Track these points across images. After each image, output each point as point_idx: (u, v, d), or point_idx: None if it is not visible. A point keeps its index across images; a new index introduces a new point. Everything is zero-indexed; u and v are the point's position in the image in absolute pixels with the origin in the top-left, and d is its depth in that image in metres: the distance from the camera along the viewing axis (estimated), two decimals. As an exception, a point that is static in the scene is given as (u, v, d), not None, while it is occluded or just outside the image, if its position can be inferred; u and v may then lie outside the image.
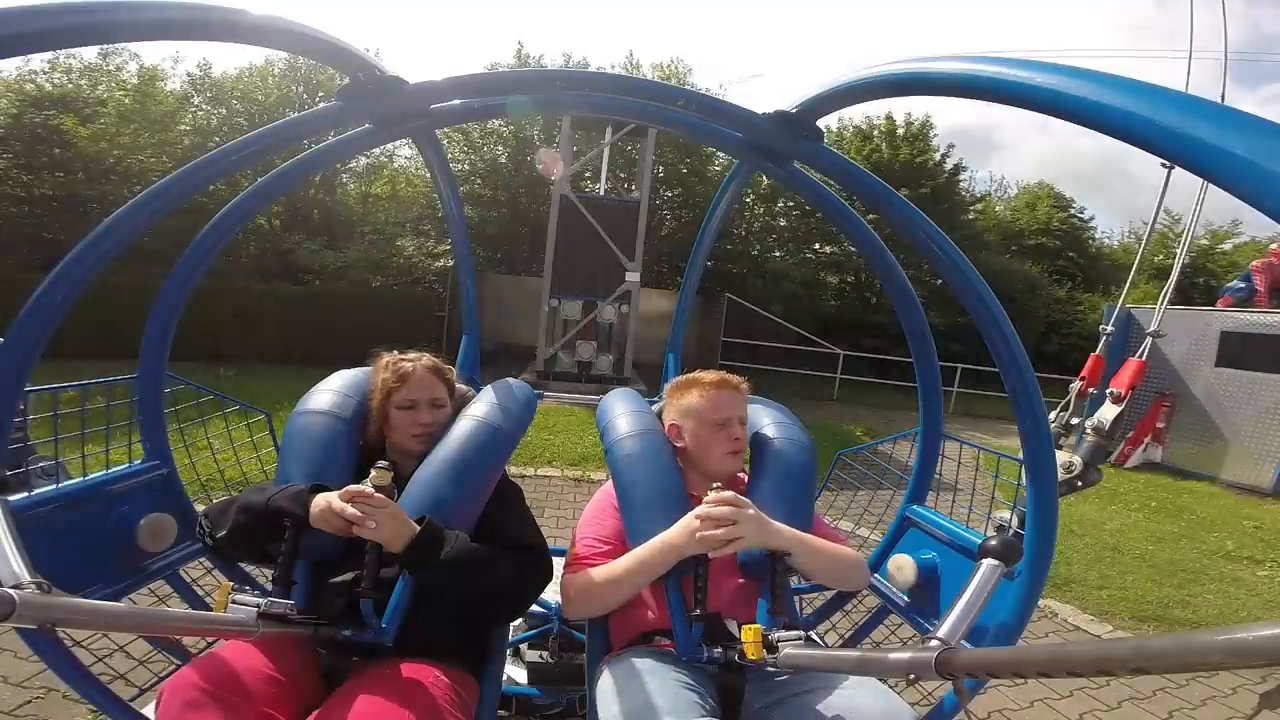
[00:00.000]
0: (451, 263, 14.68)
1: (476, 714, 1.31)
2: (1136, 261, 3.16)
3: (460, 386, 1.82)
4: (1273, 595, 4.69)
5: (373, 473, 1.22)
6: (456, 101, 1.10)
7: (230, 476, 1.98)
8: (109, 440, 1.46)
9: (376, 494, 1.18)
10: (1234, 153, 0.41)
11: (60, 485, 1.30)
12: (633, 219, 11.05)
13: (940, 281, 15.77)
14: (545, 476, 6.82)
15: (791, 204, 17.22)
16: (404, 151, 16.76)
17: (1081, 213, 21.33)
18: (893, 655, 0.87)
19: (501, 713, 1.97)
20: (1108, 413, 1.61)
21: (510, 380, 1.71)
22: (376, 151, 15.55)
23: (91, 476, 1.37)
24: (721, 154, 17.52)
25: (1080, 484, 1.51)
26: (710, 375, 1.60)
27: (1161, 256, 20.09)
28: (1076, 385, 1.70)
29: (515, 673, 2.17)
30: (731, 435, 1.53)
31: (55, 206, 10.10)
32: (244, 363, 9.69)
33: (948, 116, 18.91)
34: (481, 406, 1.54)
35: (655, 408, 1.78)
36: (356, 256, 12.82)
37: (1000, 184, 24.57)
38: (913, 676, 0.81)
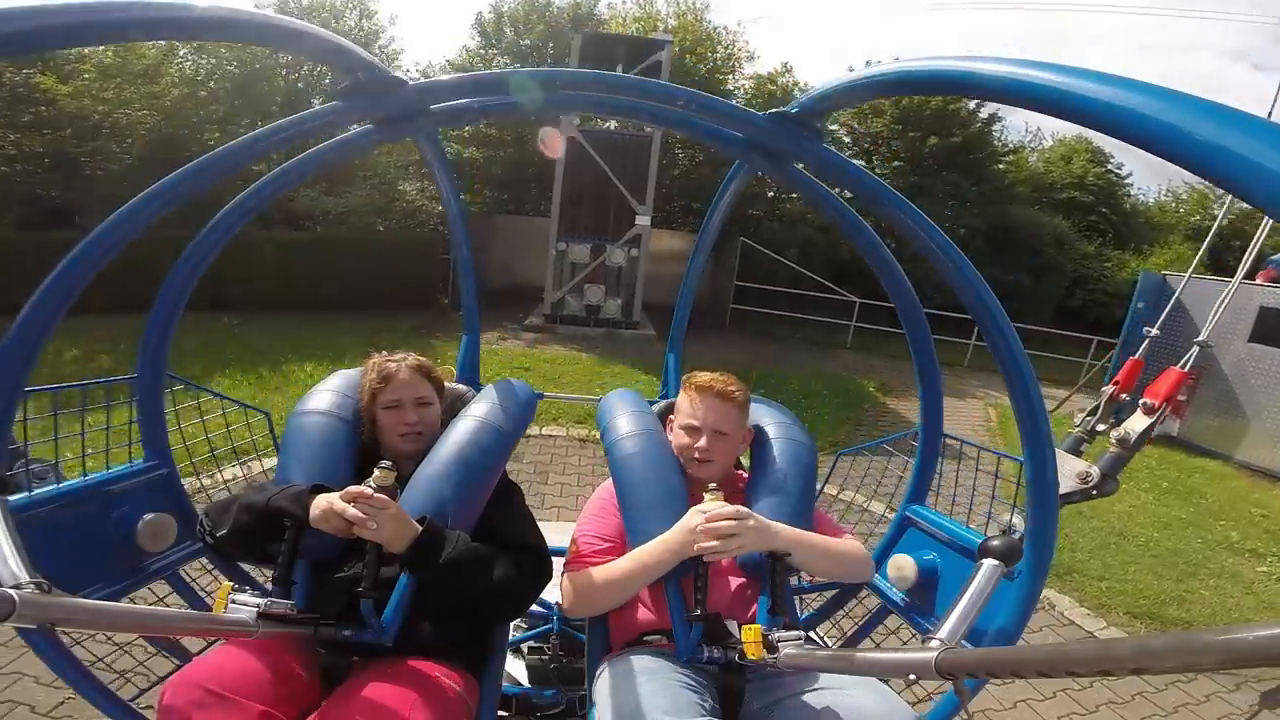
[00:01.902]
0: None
1: (476, 714, 1.31)
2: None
3: (459, 387, 1.83)
4: (1268, 595, 4.69)
5: (375, 472, 1.22)
6: (457, 101, 1.10)
7: (229, 477, 1.98)
8: (109, 440, 1.47)
9: (378, 494, 1.18)
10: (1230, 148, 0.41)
11: (61, 485, 1.30)
12: (644, 156, 10.66)
13: (962, 230, 15.44)
14: (550, 436, 6.57)
15: None
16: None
17: (1119, 169, 20.54)
18: (893, 655, 0.87)
19: (502, 713, 1.97)
20: (1136, 423, 1.47)
21: (511, 380, 1.71)
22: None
23: (91, 476, 1.37)
24: (737, 94, 16.94)
25: (1095, 494, 1.44)
26: (703, 377, 1.57)
27: (1199, 216, 19.13)
28: (1108, 390, 1.57)
29: (516, 672, 2.17)
30: (696, 444, 1.51)
31: (47, 165, 9.95)
32: (246, 311, 9.43)
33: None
34: (482, 406, 1.54)
35: (657, 408, 1.78)
36: (358, 202, 12.18)
37: (1035, 134, 23.25)
38: (913, 676, 0.81)
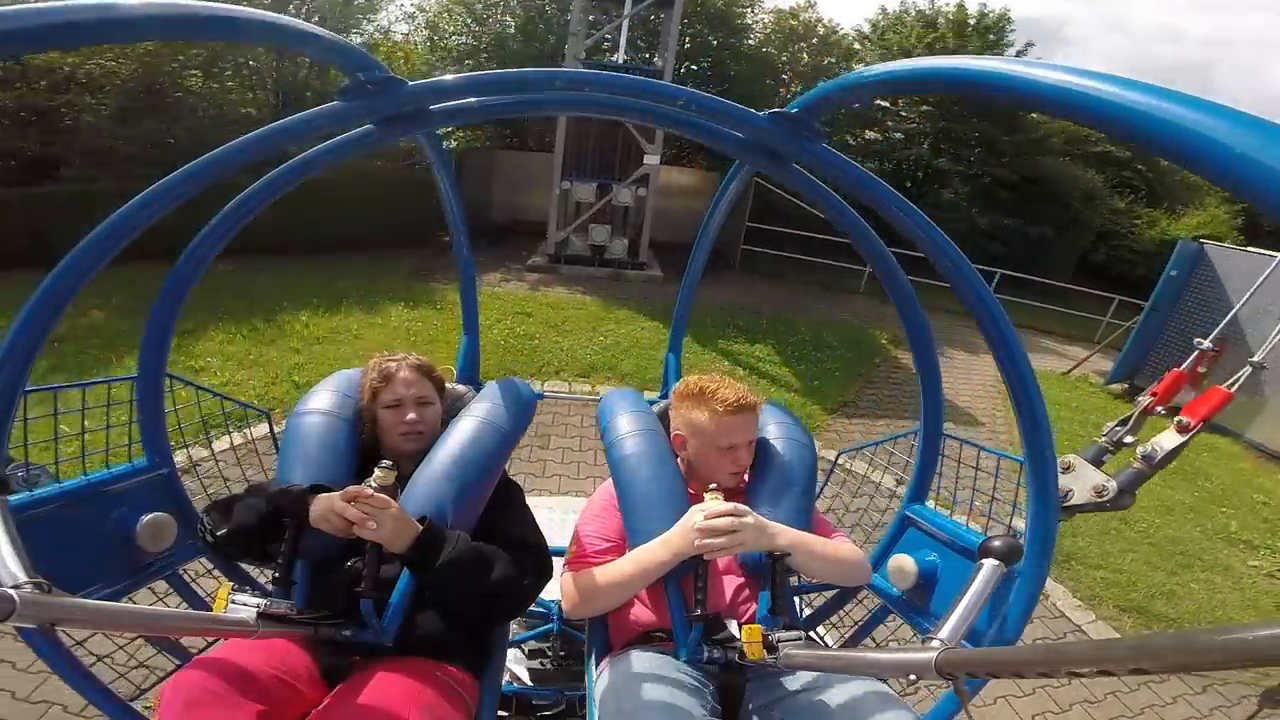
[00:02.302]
0: (454, 144, 13.62)
1: (477, 713, 1.31)
2: None
3: (459, 388, 1.83)
4: (1254, 591, 4.72)
5: (376, 472, 1.22)
6: (457, 101, 1.10)
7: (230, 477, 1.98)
8: (109, 440, 1.47)
9: (378, 494, 1.18)
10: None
11: (61, 485, 1.30)
12: None
13: (987, 179, 15.28)
14: (552, 395, 6.61)
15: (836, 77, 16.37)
16: (401, 27, 15.71)
17: None
18: (893, 655, 0.87)
19: (502, 713, 1.97)
20: (1166, 441, 1.34)
21: (511, 380, 1.71)
22: (370, 28, 14.55)
23: (91, 476, 1.37)
24: (755, 29, 16.31)
25: (1109, 507, 1.38)
26: (728, 395, 1.50)
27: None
28: (1144, 401, 1.46)
29: (517, 671, 2.17)
30: (736, 460, 1.52)
31: (21, 119, 9.86)
32: (242, 257, 8.96)
33: (1018, 6, 17.44)
34: (482, 406, 1.55)
35: (656, 408, 1.78)
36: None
37: None
38: (913, 676, 0.81)
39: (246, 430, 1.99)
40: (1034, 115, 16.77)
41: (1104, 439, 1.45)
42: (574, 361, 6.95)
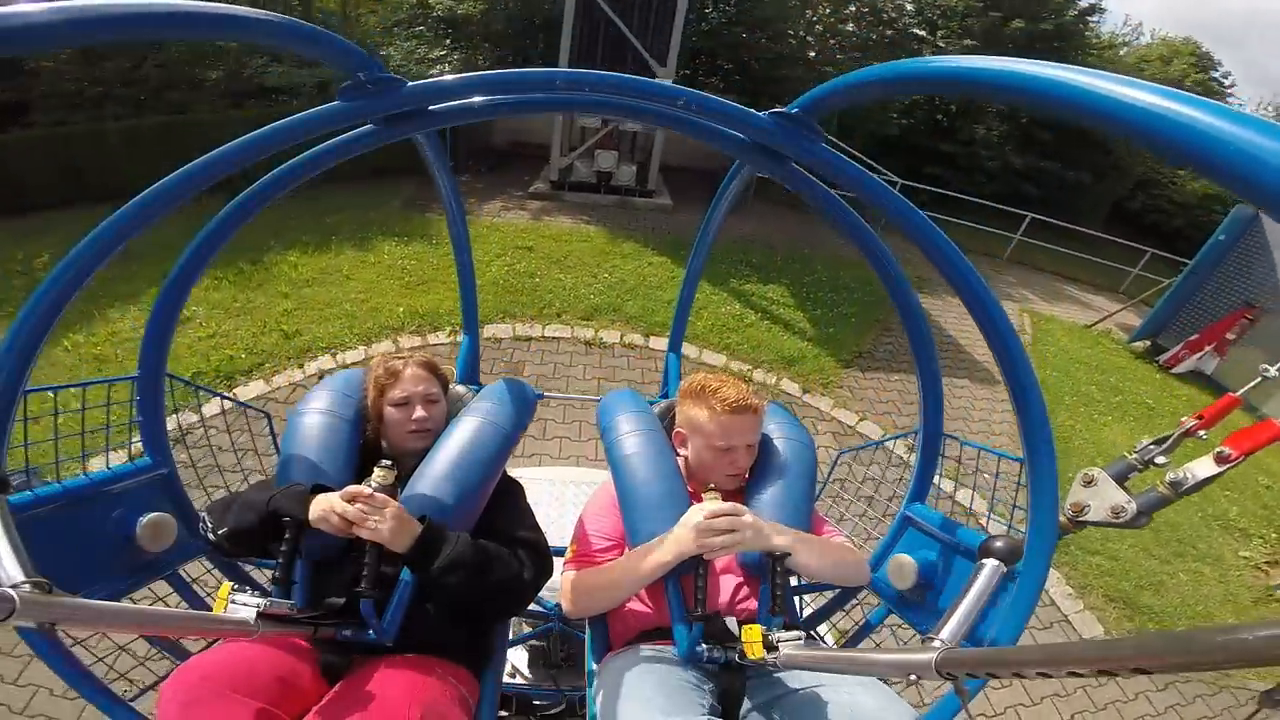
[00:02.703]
0: (448, 67, 12.34)
1: (477, 713, 1.31)
2: None
3: (459, 388, 1.83)
4: (1236, 585, 4.75)
5: (375, 472, 1.23)
6: (457, 101, 1.10)
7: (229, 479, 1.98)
8: (109, 440, 1.47)
9: (377, 494, 1.19)
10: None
11: (63, 484, 1.30)
12: (667, 10, 9.26)
13: (1025, 118, 14.20)
14: (553, 339, 6.33)
15: (865, 7, 14.66)
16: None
17: (1225, 77, 18.75)
18: (893, 655, 0.87)
19: (502, 713, 1.97)
20: (1200, 469, 1.26)
21: (511, 380, 1.71)
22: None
23: (91, 475, 1.37)
24: None
25: (1123, 527, 1.30)
26: (729, 394, 1.50)
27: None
28: (1188, 423, 1.36)
29: (517, 670, 2.17)
30: (734, 461, 1.51)
31: None
32: (230, 191, 8.90)
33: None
34: (483, 405, 1.55)
35: (657, 408, 1.78)
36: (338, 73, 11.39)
37: (1135, 29, 21.81)
38: (913, 676, 0.81)
39: (246, 430, 1.97)
40: (1093, 54, 15.93)
41: (1134, 456, 1.36)
42: (577, 303, 6.76)
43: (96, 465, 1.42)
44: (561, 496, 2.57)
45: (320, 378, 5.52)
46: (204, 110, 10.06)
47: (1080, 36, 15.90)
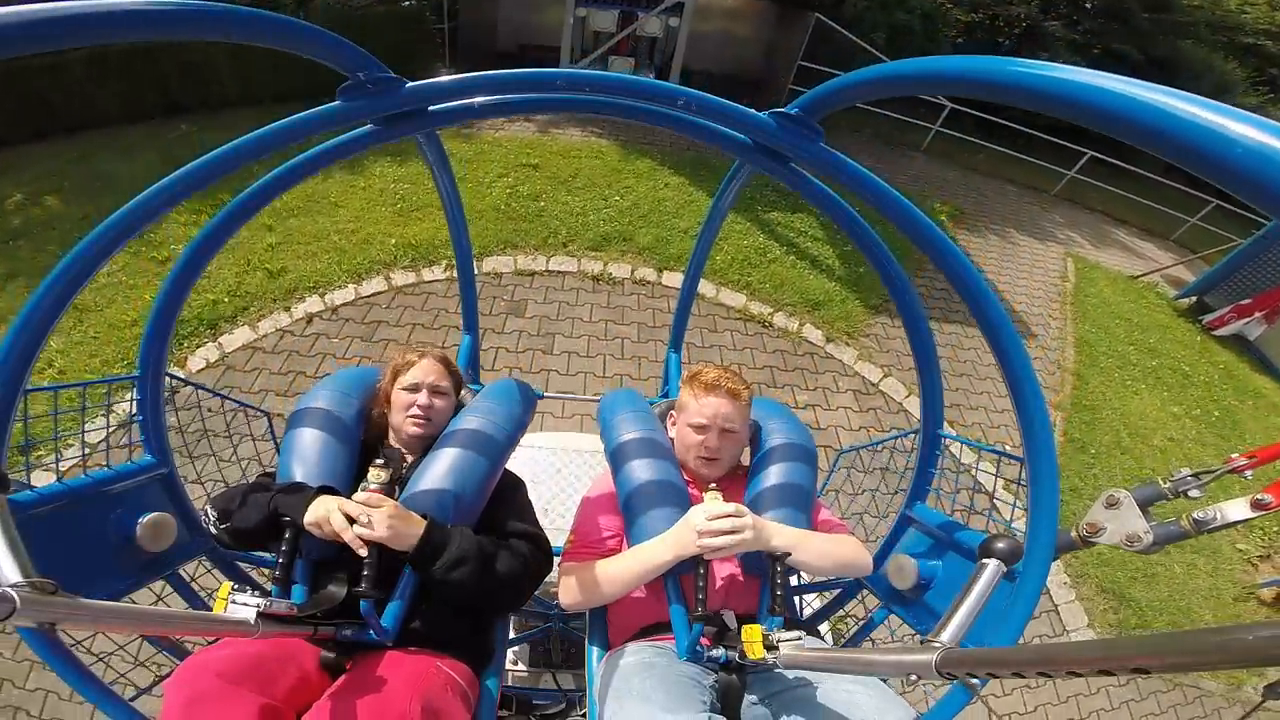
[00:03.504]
0: None
1: (477, 712, 1.31)
2: None
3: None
4: (1224, 579, 4.75)
5: (370, 472, 1.24)
6: (457, 102, 1.10)
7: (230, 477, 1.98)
8: (109, 440, 1.47)
9: (374, 494, 1.20)
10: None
11: (63, 483, 1.30)
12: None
13: (1098, 50, 12.77)
14: (559, 273, 5.87)
15: None
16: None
17: None
18: (893, 655, 0.87)
19: (502, 712, 1.97)
20: (1232, 511, 1.20)
21: (512, 380, 1.72)
22: None
23: (91, 475, 1.37)
24: None
25: (1134, 551, 1.25)
26: (709, 374, 1.57)
27: None
28: (1236, 461, 1.29)
29: (517, 669, 2.17)
30: (705, 442, 1.54)
31: None
32: (206, 113, 8.12)
33: None
34: (485, 404, 1.56)
35: (657, 408, 1.78)
36: None
37: None
38: (913, 676, 0.81)
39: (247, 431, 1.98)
40: None
41: (1168, 484, 1.29)
42: (585, 231, 6.20)
43: (97, 465, 1.42)
44: (564, 469, 2.53)
45: (309, 321, 5.36)
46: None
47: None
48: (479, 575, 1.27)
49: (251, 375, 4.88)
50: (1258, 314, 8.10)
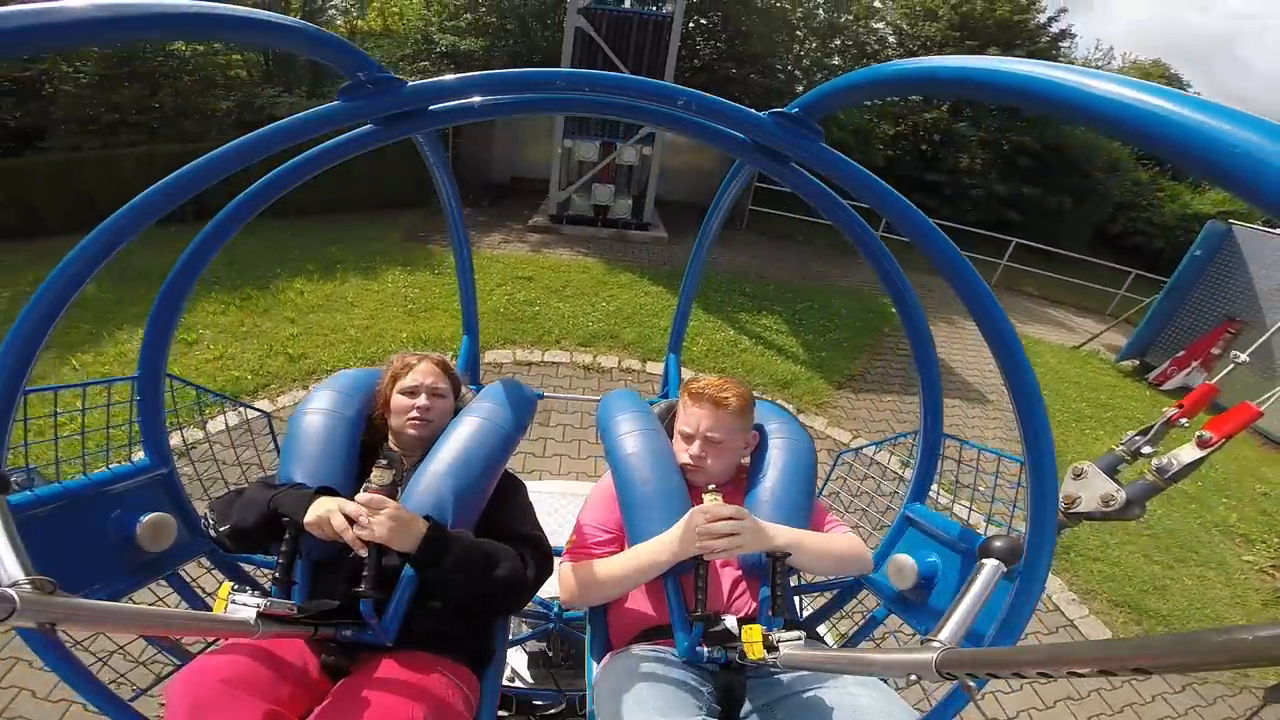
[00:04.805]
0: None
1: (477, 713, 1.31)
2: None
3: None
4: (1242, 588, 4.76)
5: (373, 473, 1.23)
6: (457, 101, 1.10)
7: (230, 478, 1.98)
8: (109, 440, 1.47)
9: (376, 495, 1.19)
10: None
11: (63, 484, 1.30)
12: (662, 42, 9.58)
13: (1006, 145, 14.79)
14: (553, 364, 6.51)
15: (849, 41, 15.65)
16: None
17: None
18: (893, 655, 0.87)
19: (502, 713, 1.97)
20: (1185, 455, 1.31)
21: (512, 380, 1.72)
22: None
23: (91, 475, 1.37)
24: None
25: (1116, 517, 1.33)
26: (702, 386, 1.58)
27: None
28: (1169, 412, 1.41)
29: (517, 670, 2.17)
30: (689, 449, 1.54)
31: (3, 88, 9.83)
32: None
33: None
34: (484, 405, 1.56)
35: (657, 408, 1.78)
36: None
37: (1106, 54, 22.10)
38: (913, 676, 0.81)
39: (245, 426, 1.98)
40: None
41: (1121, 448, 1.40)
42: (576, 330, 6.88)
43: (96, 465, 1.42)
44: (560, 510, 2.57)
45: None
46: (216, 139, 9.93)
47: (1057, 60, 16.42)
48: (480, 578, 1.26)
49: (266, 438, 5.08)
50: (1194, 363, 8.56)
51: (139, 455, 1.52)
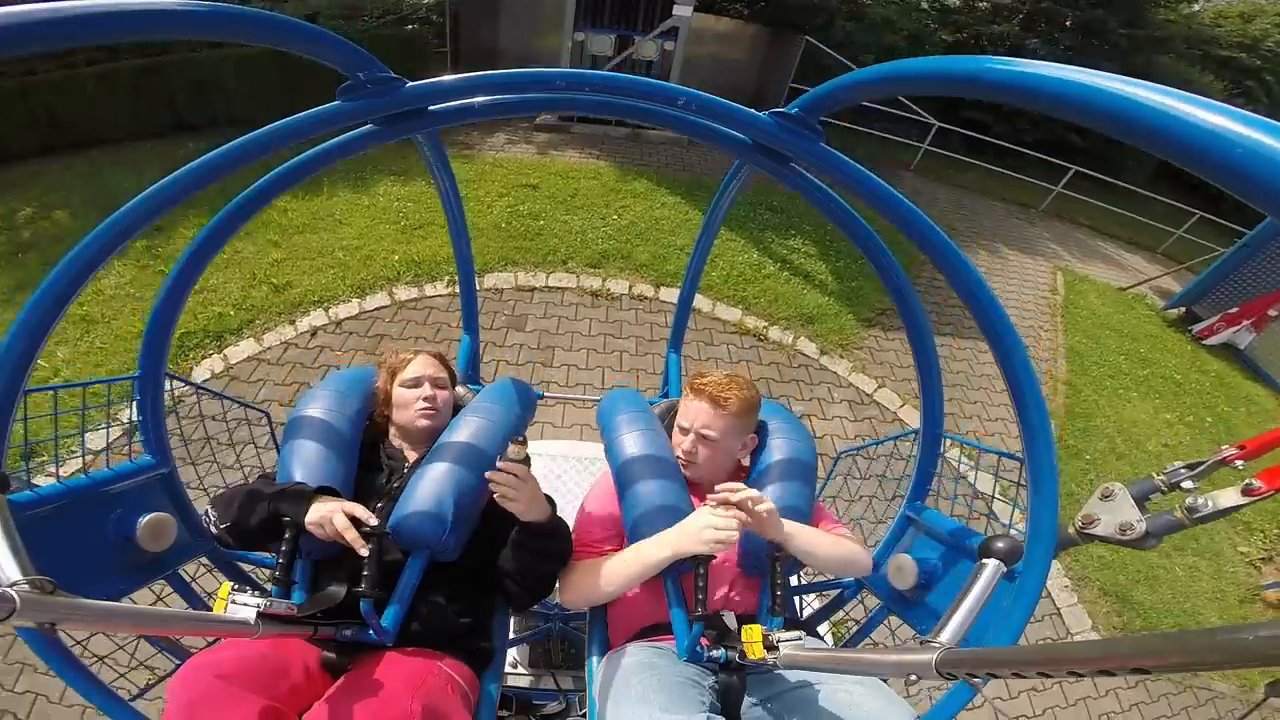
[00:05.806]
0: None
1: (477, 712, 1.31)
2: None
3: (459, 389, 1.84)
4: (1230, 580, 4.76)
5: (510, 447, 1.29)
6: (457, 102, 1.10)
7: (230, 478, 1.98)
8: (109, 440, 1.47)
9: (518, 464, 1.27)
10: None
11: (63, 483, 1.30)
12: None
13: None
14: (557, 289, 5.97)
15: None
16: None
17: None
18: (893, 655, 0.87)
19: (502, 713, 1.97)
20: (1224, 499, 1.22)
21: (512, 380, 1.72)
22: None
23: (91, 475, 1.37)
24: None
25: (1128, 546, 1.27)
26: (703, 382, 1.57)
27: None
28: (1226, 452, 1.31)
29: (517, 669, 2.17)
30: (682, 444, 1.55)
31: None
32: (213, 131, 8.25)
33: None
34: (485, 404, 1.57)
35: (657, 408, 1.78)
36: (322, 3, 10.21)
37: None
38: (913, 676, 0.81)
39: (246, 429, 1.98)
40: (1162, 8, 15.07)
41: (1161, 477, 1.31)
42: (584, 248, 6.32)
43: (96, 465, 1.42)
44: (562, 474, 2.53)
45: (313, 334, 5.41)
46: (186, 49, 9.12)
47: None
48: (557, 552, 1.41)
49: (256, 385, 4.96)
50: (1245, 322, 8.18)
51: (139, 455, 1.52)
